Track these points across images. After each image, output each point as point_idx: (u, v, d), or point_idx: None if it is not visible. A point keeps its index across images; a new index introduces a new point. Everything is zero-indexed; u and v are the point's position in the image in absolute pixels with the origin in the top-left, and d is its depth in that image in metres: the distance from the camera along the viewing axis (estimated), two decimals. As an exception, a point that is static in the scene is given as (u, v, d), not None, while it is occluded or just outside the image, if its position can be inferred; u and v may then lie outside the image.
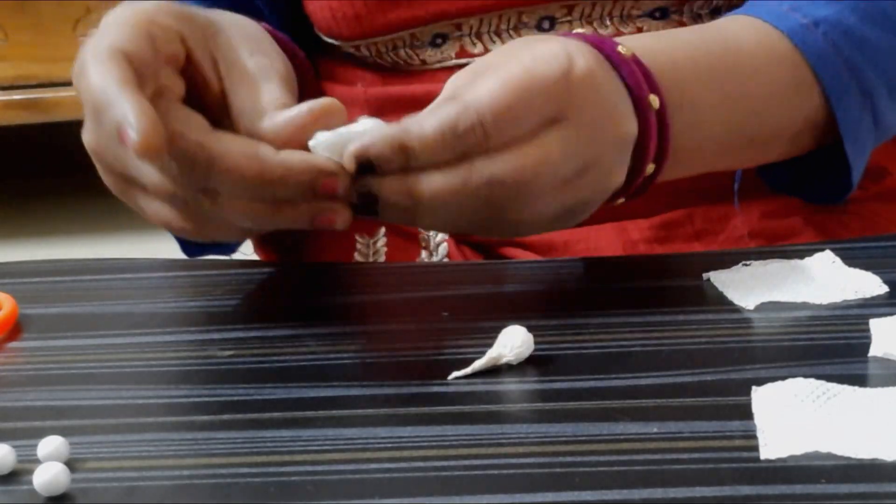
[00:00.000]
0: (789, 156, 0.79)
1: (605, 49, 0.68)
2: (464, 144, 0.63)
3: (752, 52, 0.75)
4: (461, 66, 0.84)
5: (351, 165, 0.63)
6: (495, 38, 0.85)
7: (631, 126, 0.67)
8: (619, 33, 0.83)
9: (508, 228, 0.67)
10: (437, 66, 0.86)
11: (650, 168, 0.70)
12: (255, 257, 0.93)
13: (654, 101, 0.69)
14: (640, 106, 0.68)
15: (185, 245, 0.84)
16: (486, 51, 0.84)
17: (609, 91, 0.67)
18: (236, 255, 0.85)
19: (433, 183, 0.63)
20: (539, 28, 0.84)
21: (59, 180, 2.86)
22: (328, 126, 0.64)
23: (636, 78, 0.68)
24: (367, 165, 0.63)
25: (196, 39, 0.68)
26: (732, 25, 0.77)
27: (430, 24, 0.85)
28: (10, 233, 2.64)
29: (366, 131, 0.63)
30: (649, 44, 0.71)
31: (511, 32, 0.84)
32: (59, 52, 2.41)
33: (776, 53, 0.76)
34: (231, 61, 0.68)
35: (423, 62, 0.86)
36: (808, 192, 0.83)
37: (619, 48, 0.69)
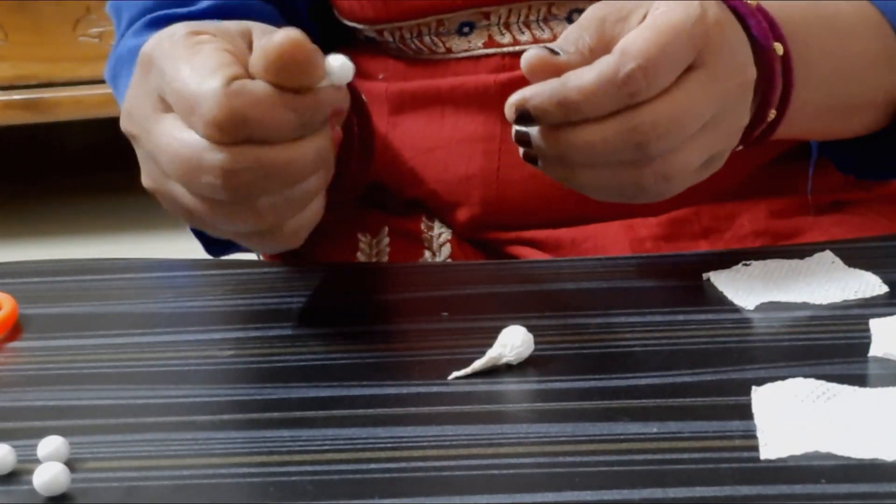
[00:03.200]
0: (876, 127, 0.80)
1: None
2: (625, 94, 0.63)
3: (850, 19, 0.77)
4: (488, 57, 0.85)
5: (511, 115, 0.64)
6: (524, 29, 0.84)
7: (752, 72, 0.68)
8: None
9: (655, 188, 0.67)
10: (463, 55, 0.86)
11: (772, 114, 0.70)
12: (256, 257, 0.93)
13: (779, 48, 0.70)
14: (765, 54, 0.69)
15: (209, 246, 0.84)
16: (515, 42, 0.84)
17: (735, 38, 0.67)
18: (241, 256, 0.85)
19: (590, 135, 0.63)
20: (569, 20, 0.84)
21: (59, 180, 2.86)
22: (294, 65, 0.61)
23: (762, 27, 0.69)
24: (526, 115, 0.63)
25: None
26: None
27: (458, 11, 0.84)
28: (10, 233, 2.64)
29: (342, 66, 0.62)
30: None
31: (541, 24, 0.84)
32: (59, 52, 2.41)
33: (871, 23, 0.78)
34: None
35: (449, 50, 0.86)
36: (875, 168, 0.84)
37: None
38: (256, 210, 0.61)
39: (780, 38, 0.70)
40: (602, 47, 0.65)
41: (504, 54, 0.85)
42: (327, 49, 0.89)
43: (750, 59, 0.68)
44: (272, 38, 0.59)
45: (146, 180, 0.66)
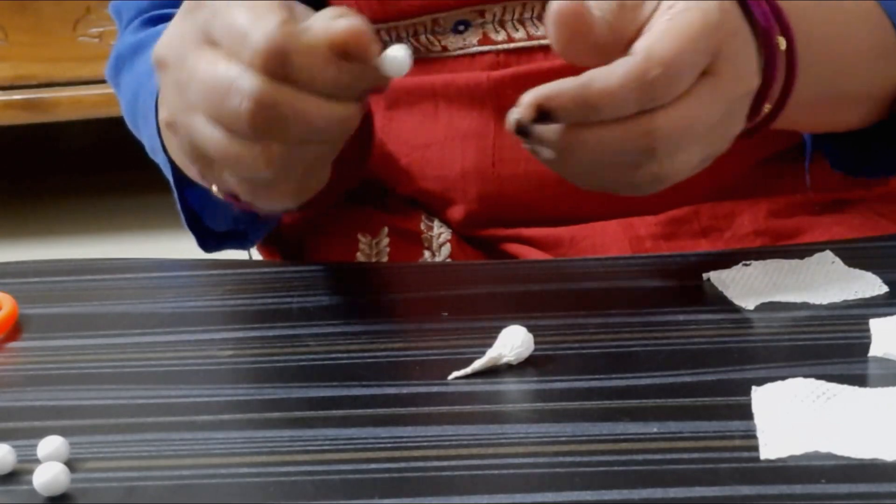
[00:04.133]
0: (870, 121, 0.80)
1: None
2: (647, 99, 0.62)
3: (852, 10, 0.77)
4: (483, 54, 0.85)
5: (530, 114, 0.63)
6: (518, 26, 0.84)
7: (756, 82, 0.67)
8: None
9: (649, 185, 0.66)
10: (459, 52, 0.86)
11: (766, 108, 0.70)
12: (258, 256, 0.93)
13: (782, 42, 0.69)
14: (768, 47, 0.68)
15: (203, 240, 0.84)
16: (510, 39, 0.84)
17: (746, 48, 0.66)
18: (242, 256, 0.85)
19: (604, 135, 0.63)
20: None
21: (59, 180, 2.86)
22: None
23: (767, 19, 0.68)
24: (546, 114, 0.63)
25: None
26: None
27: (453, 10, 0.84)
28: (10, 233, 2.64)
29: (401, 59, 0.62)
30: None
31: (535, 21, 0.84)
32: (59, 52, 2.41)
33: (872, 17, 0.78)
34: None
35: (445, 49, 0.86)
36: (868, 165, 0.84)
37: None
38: (269, 154, 0.61)
39: (786, 28, 0.69)
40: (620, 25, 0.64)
41: (499, 51, 0.85)
42: None
43: (755, 69, 0.67)
44: (337, 21, 0.60)
45: (163, 112, 0.66)
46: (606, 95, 0.62)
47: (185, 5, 0.64)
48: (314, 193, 0.65)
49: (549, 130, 0.64)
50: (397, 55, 0.61)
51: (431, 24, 0.85)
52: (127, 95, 0.88)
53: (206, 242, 0.84)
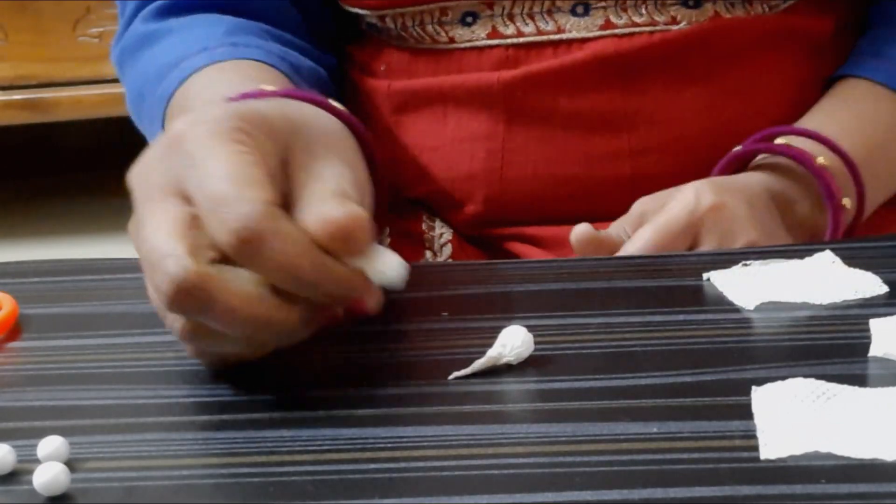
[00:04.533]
0: None
1: (805, 162, 0.80)
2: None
3: (890, 123, 0.86)
4: (491, 48, 0.84)
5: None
6: (528, 21, 0.84)
7: (756, 234, 0.78)
8: (653, 21, 0.83)
9: None
10: (467, 45, 0.85)
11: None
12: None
13: (847, 202, 0.80)
14: (834, 209, 0.80)
15: None
16: (519, 33, 0.84)
17: (741, 209, 0.78)
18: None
19: None
20: (573, 13, 0.84)
21: (59, 180, 2.86)
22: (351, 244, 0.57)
23: (830, 186, 0.80)
24: None
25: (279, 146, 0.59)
26: (867, 99, 0.86)
27: (461, 0, 0.84)
28: (10, 233, 2.64)
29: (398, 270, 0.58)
30: (839, 134, 0.83)
31: (545, 15, 0.84)
32: (59, 52, 2.41)
33: None
34: (305, 165, 0.59)
35: (452, 40, 0.85)
36: None
37: (819, 160, 0.80)
38: (193, 326, 0.57)
39: (859, 185, 0.81)
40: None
41: (508, 46, 0.85)
42: (330, 46, 0.89)
43: (758, 220, 0.78)
44: (334, 210, 0.55)
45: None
46: None
47: (165, 135, 0.59)
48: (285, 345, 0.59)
49: None
50: (392, 261, 0.57)
51: (439, 13, 0.85)
52: (133, 89, 0.87)
53: None
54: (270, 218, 0.54)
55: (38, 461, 0.54)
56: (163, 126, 0.80)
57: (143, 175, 0.58)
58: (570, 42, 0.84)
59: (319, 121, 0.63)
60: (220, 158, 0.55)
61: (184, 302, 0.54)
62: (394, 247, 0.88)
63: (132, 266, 0.78)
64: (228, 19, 0.85)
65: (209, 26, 0.84)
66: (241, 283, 0.55)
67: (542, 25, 0.84)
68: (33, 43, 2.42)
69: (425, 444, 0.55)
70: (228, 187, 0.54)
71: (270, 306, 0.55)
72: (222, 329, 0.55)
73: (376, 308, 0.58)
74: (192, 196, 0.55)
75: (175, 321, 0.57)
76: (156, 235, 0.55)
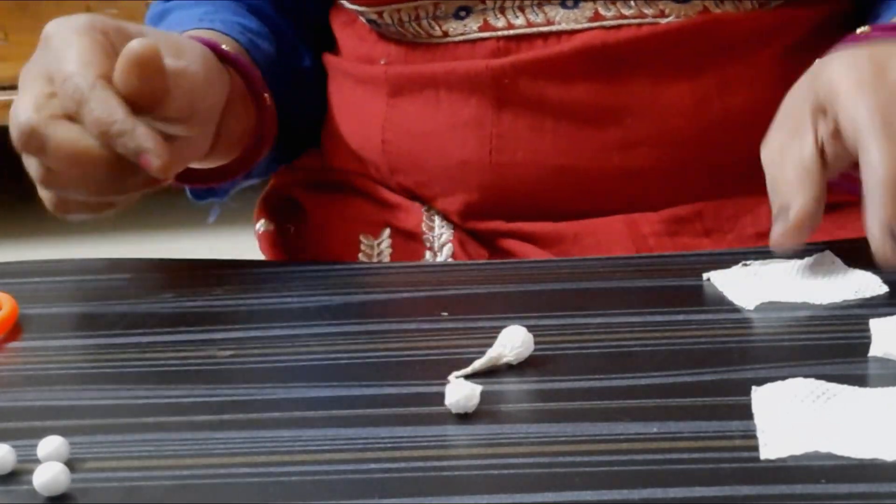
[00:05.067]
0: None
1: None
2: None
3: None
4: (483, 41, 0.85)
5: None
6: (518, 13, 0.85)
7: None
8: (642, 14, 0.84)
9: None
10: (460, 38, 0.86)
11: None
12: (259, 256, 0.93)
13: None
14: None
15: (193, 191, 0.90)
16: (510, 26, 0.85)
17: (850, 59, 0.72)
18: (243, 256, 0.85)
19: None
20: (563, 5, 0.84)
21: (59, 180, 2.86)
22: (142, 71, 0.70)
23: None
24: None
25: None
26: None
27: None
28: (10, 233, 2.64)
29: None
30: None
31: (535, 8, 0.84)
32: (59, 52, 2.41)
33: None
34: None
35: (445, 34, 0.86)
36: None
37: None
38: (37, 168, 0.71)
39: None
40: None
41: (499, 38, 0.85)
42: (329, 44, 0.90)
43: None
44: (132, 44, 0.70)
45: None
46: None
47: (42, 35, 0.75)
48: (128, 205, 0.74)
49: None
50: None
51: (433, 8, 0.86)
52: None
53: (197, 194, 0.91)
54: (96, 88, 0.69)
55: (37, 461, 0.54)
56: None
57: (25, 68, 0.75)
58: (559, 34, 0.85)
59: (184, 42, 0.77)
60: (73, 47, 0.71)
61: (27, 143, 0.70)
62: (394, 247, 0.88)
63: (132, 266, 0.78)
64: (221, 3, 0.91)
65: (196, 7, 0.91)
66: (69, 128, 0.69)
67: (532, 17, 0.84)
68: (33, 43, 2.41)
69: (425, 444, 0.55)
70: (73, 67, 0.70)
71: (89, 144, 0.69)
72: (56, 167, 0.70)
73: (159, 166, 0.69)
74: (52, 77, 0.71)
75: (30, 167, 0.72)
76: (18, 103, 0.72)
